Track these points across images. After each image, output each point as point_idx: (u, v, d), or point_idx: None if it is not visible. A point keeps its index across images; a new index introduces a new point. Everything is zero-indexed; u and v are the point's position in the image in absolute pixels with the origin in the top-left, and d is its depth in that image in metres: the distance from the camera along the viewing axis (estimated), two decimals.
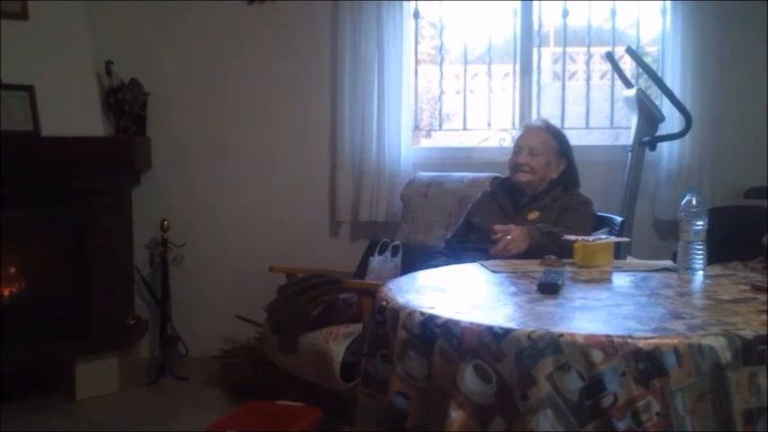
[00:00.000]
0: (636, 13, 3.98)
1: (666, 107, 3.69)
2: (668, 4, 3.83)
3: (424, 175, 3.71)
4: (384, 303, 1.81)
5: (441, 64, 4.06)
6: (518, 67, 3.99)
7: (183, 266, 3.87)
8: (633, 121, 3.73)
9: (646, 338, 1.45)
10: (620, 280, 2.11)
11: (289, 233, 3.91)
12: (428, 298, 1.87)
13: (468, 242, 2.92)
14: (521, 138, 3.04)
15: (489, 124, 4.08)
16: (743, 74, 3.80)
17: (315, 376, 2.93)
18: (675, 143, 3.76)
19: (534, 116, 3.89)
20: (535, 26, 3.98)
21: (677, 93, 3.65)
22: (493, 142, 4.07)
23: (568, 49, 4.07)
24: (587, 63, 4.05)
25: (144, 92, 3.78)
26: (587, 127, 4.06)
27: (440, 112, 4.13)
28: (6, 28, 3.31)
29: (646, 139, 3.66)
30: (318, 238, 3.94)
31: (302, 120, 3.93)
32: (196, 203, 3.93)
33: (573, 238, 2.34)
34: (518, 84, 4.00)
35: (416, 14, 3.96)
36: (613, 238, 2.51)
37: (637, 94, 3.64)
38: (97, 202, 3.55)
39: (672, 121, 3.72)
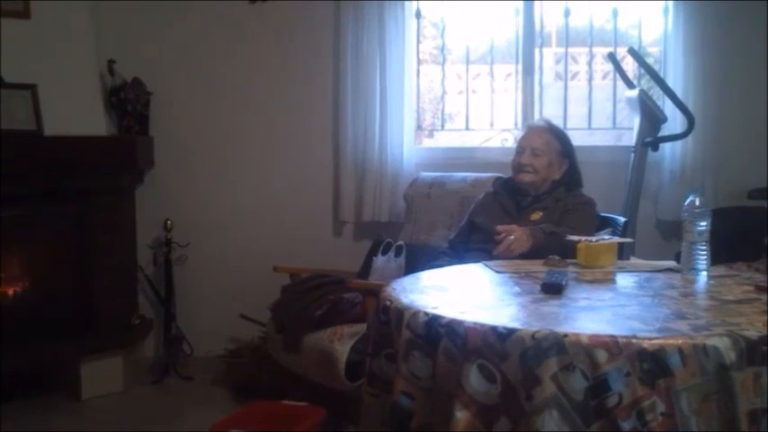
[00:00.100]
0: (638, 13, 3.99)
1: (669, 108, 3.69)
2: (670, 4, 3.84)
3: (427, 175, 3.71)
4: (388, 303, 1.81)
5: (443, 64, 4.06)
6: (520, 67, 3.99)
7: (186, 266, 3.88)
8: (636, 121, 3.74)
9: (650, 339, 1.45)
10: (624, 280, 2.12)
11: (292, 233, 3.91)
12: (432, 298, 1.87)
13: (471, 242, 2.92)
14: (523, 138, 3.04)
15: (492, 124, 4.08)
16: (745, 74, 3.80)
17: (319, 376, 2.93)
18: (678, 144, 3.77)
19: (537, 116, 3.90)
20: (537, 26, 3.98)
21: (679, 93, 3.65)
22: (495, 142, 4.08)
23: (570, 50, 4.07)
24: (589, 63, 4.06)
25: (147, 91, 3.78)
26: (590, 127, 4.06)
27: (442, 112, 4.13)
28: (9, 27, 3.32)
29: (648, 139, 3.66)
30: (322, 238, 3.95)
31: (305, 120, 3.94)
32: (199, 203, 3.94)
33: (576, 238, 2.34)
34: (520, 84, 4.00)
35: (418, 14, 3.97)
36: (617, 239, 2.51)
37: (639, 94, 3.64)
38: (100, 202, 3.55)
39: (674, 121, 3.72)
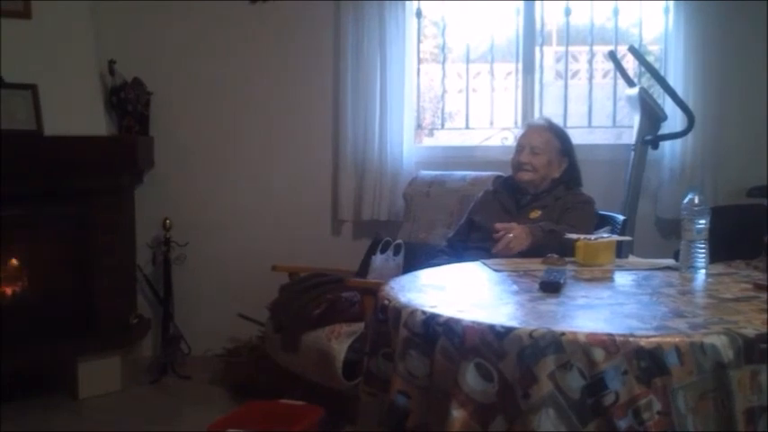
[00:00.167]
0: (638, 12, 3.99)
1: (669, 106, 3.69)
2: (671, 3, 3.83)
3: (427, 173, 3.71)
4: (386, 302, 1.81)
5: (443, 63, 4.06)
6: (520, 65, 3.99)
7: (185, 265, 3.88)
8: (636, 119, 3.74)
9: (647, 337, 1.45)
10: (622, 279, 2.11)
11: (291, 232, 3.91)
12: (430, 297, 1.87)
13: (470, 241, 2.92)
14: (523, 136, 3.04)
15: (492, 123, 4.08)
16: (745, 73, 3.80)
17: (317, 375, 2.93)
18: (678, 142, 3.76)
19: (537, 115, 3.90)
20: (538, 25, 3.98)
21: (679, 91, 3.65)
22: (495, 141, 4.08)
23: (571, 48, 4.07)
24: (590, 62, 4.06)
25: (147, 91, 3.78)
26: (590, 126, 4.06)
27: (442, 110, 4.13)
28: (9, 27, 3.32)
29: (648, 137, 3.66)
30: (321, 237, 3.95)
31: (305, 119, 3.94)
32: (199, 202, 3.94)
33: (575, 236, 2.33)
34: (520, 82, 4.00)
35: (419, 13, 3.97)
36: (615, 237, 2.50)
37: (639, 92, 3.64)
38: (100, 202, 3.55)
39: (674, 119, 3.72)
